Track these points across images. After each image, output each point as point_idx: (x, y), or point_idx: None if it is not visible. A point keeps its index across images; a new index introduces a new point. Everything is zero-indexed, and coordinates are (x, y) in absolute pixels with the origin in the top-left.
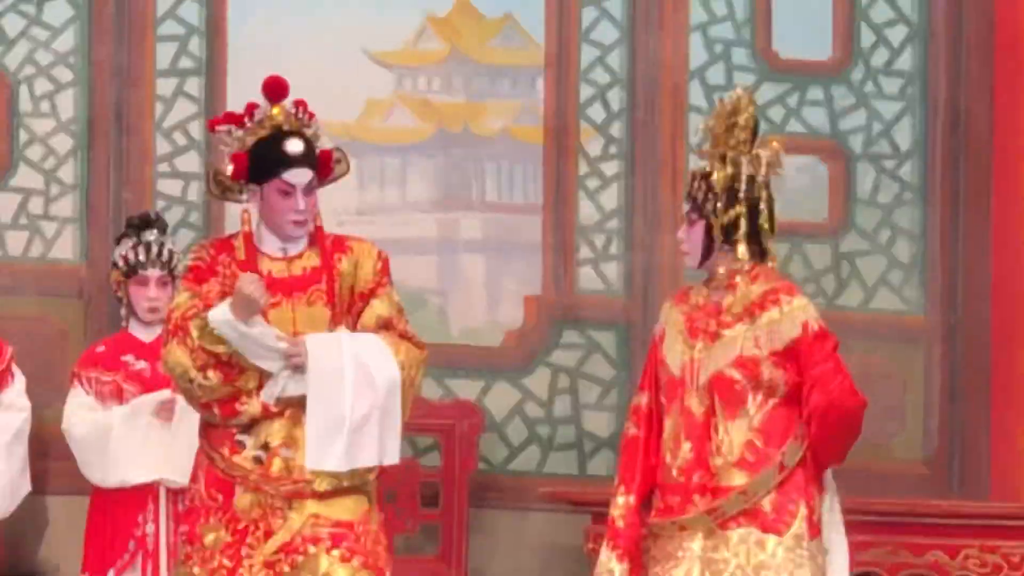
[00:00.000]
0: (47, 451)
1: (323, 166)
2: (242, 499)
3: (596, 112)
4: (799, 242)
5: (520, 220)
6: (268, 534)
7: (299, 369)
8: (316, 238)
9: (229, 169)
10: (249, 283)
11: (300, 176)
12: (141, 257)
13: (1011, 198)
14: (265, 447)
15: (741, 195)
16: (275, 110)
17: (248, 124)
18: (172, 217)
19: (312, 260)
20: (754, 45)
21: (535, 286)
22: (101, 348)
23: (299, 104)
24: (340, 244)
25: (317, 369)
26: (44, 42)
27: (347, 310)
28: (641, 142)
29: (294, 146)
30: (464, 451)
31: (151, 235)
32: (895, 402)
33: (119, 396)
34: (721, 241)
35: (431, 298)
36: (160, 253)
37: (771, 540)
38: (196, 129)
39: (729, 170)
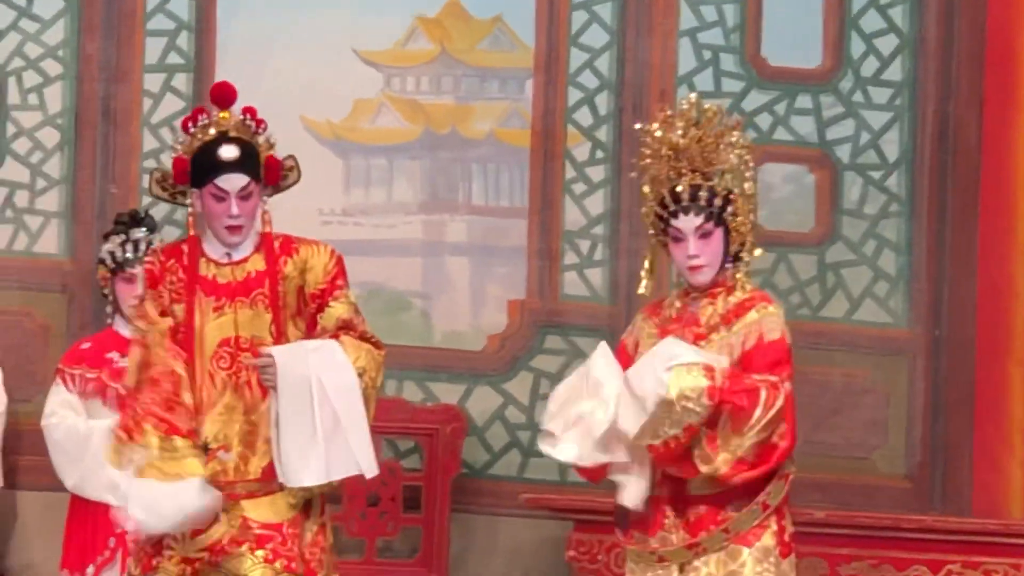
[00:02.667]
0: (20, 446)
1: (270, 172)
2: None
3: (584, 116)
4: (784, 252)
5: (506, 224)
6: (195, 532)
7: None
8: (263, 242)
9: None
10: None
11: (233, 182)
12: (128, 254)
13: (998, 211)
14: (204, 448)
15: (755, 202)
16: (223, 115)
17: (192, 129)
18: (157, 214)
19: (258, 264)
20: (743, 52)
21: (519, 290)
22: (86, 345)
23: (247, 111)
24: (287, 246)
25: (287, 385)
26: (33, 35)
27: (297, 313)
28: (628, 147)
29: (227, 152)
30: (447, 455)
31: (139, 232)
32: (878, 415)
33: (103, 393)
34: (737, 249)
35: (415, 301)
36: (148, 251)
37: (743, 551)
38: None
39: (749, 179)
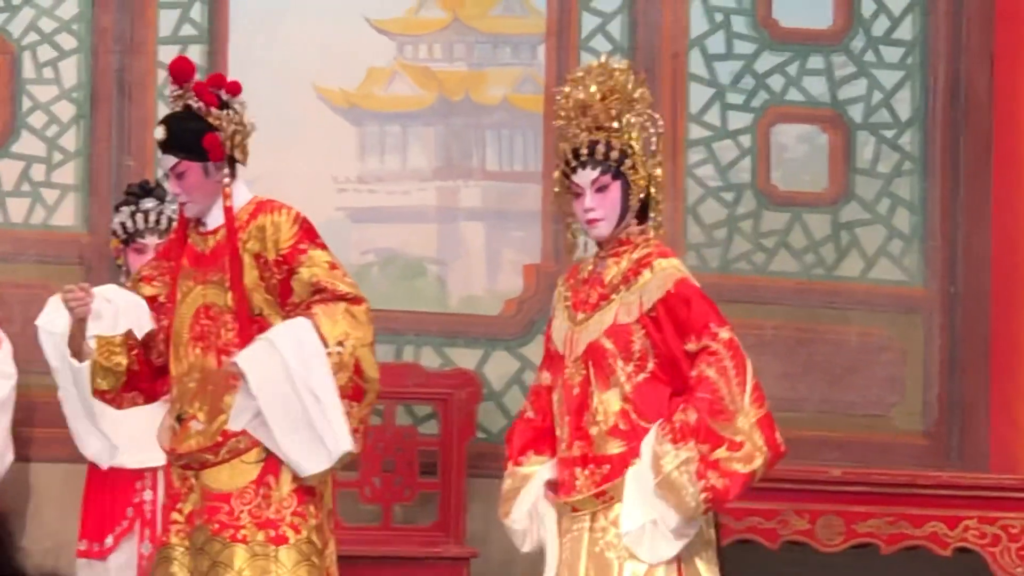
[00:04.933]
0: (34, 418)
1: (212, 151)
2: (173, 467)
3: None
4: (799, 212)
5: (520, 188)
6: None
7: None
8: (225, 215)
9: None
10: None
11: (164, 162)
12: (139, 225)
13: (1011, 168)
14: (179, 418)
15: (659, 156)
16: (181, 91)
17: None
18: None
19: (222, 235)
20: (755, 13)
21: (535, 254)
22: None
23: (197, 88)
24: (249, 215)
25: (261, 384)
26: (47, 9)
27: (260, 279)
28: None
29: (157, 133)
30: (462, 420)
31: (150, 203)
32: (895, 373)
33: None
34: (636, 203)
35: (430, 267)
36: (158, 221)
37: None
38: None
39: (649, 128)
